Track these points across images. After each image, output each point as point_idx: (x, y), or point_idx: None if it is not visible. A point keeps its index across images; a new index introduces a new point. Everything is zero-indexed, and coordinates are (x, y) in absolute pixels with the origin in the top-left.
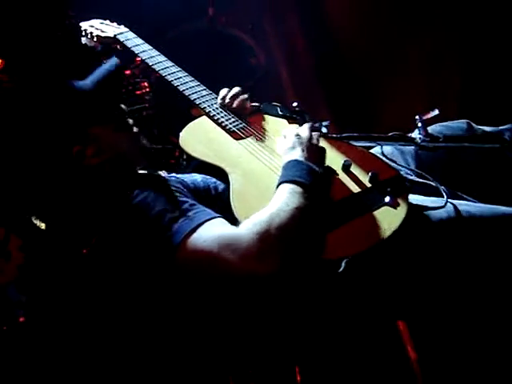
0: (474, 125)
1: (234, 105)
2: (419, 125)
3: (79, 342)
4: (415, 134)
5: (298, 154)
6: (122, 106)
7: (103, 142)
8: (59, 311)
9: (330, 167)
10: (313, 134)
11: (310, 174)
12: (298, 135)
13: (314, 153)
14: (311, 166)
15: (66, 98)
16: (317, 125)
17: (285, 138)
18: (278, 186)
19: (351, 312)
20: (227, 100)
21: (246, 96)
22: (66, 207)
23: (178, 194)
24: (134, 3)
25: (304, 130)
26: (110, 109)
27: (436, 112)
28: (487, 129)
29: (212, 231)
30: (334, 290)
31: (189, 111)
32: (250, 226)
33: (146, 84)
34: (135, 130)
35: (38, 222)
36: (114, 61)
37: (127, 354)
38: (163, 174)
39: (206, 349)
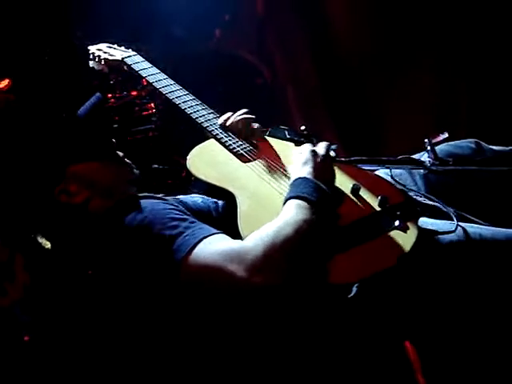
0: (483, 144)
1: (240, 125)
2: (428, 148)
3: (84, 361)
4: (424, 158)
5: (306, 171)
6: (113, 139)
7: (85, 179)
8: (65, 329)
9: (338, 189)
10: (330, 153)
11: (316, 191)
12: (313, 151)
13: (324, 172)
14: (318, 183)
15: (47, 135)
16: None
17: (300, 154)
18: (284, 203)
19: (360, 336)
20: (231, 121)
21: (251, 116)
22: (61, 238)
23: (177, 212)
24: (140, 26)
25: (321, 147)
26: (96, 144)
27: (446, 135)
28: (496, 148)
29: (215, 246)
30: (343, 314)
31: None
32: (255, 238)
33: (152, 105)
34: (126, 161)
35: (43, 241)
36: (96, 96)
37: (133, 369)
38: (161, 195)
39: (210, 362)
